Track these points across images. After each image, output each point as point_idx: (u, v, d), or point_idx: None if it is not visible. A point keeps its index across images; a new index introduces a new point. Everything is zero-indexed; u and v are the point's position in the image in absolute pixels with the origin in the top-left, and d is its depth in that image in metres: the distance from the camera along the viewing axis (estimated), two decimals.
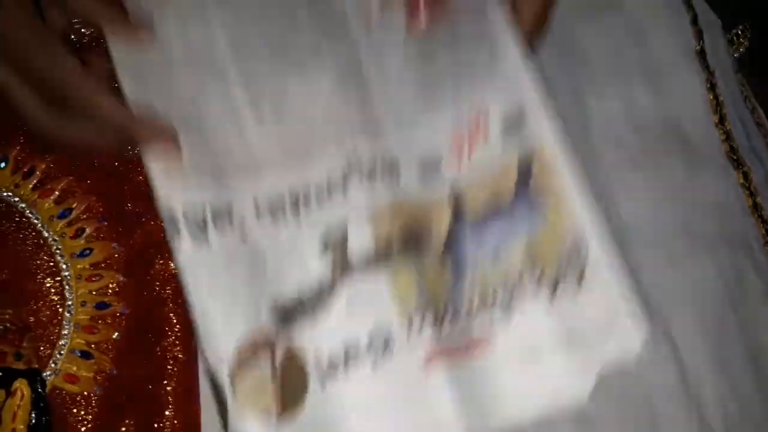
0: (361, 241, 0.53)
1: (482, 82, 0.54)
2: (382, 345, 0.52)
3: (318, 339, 0.52)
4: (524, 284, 0.52)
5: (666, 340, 0.69)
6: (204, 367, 0.52)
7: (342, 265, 0.52)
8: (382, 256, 0.52)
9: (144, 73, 0.53)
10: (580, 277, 0.51)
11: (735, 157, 0.75)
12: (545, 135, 0.52)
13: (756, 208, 0.75)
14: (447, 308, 0.52)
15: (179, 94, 0.53)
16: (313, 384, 0.51)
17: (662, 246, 0.71)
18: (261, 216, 0.52)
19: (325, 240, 0.53)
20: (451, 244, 0.53)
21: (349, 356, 0.52)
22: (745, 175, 0.75)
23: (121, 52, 0.52)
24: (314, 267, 0.52)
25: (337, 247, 0.52)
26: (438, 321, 0.52)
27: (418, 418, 0.52)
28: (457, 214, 0.53)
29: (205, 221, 0.51)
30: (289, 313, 0.52)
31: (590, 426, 0.63)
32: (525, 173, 0.52)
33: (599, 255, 0.51)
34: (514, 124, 0.53)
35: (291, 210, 0.52)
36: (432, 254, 0.53)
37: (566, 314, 0.52)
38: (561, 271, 0.51)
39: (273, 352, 0.51)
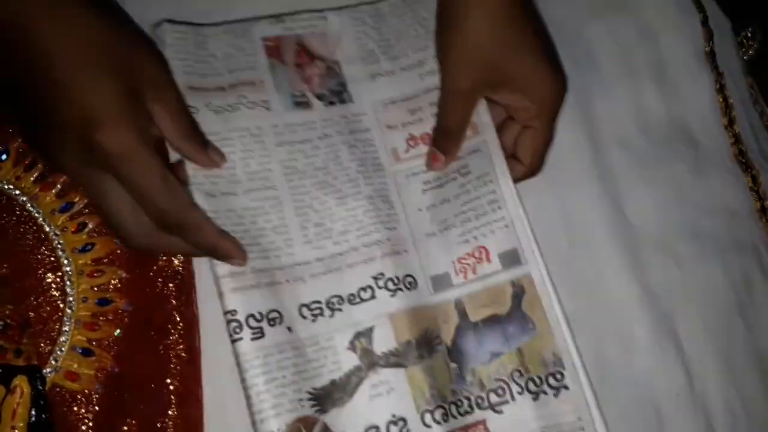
0: (384, 340, 0.62)
1: (485, 225, 0.65)
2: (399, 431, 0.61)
3: (345, 422, 0.60)
4: (513, 385, 0.63)
5: (672, 343, 0.69)
6: None
7: (368, 359, 0.62)
8: (401, 355, 0.62)
9: (213, 191, 0.61)
10: (560, 383, 0.62)
11: (743, 160, 0.75)
12: (535, 274, 0.64)
13: (764, 211, 0.75)
14: (452, 402, 0.62)
15: (241, 211, 0.62)
16: None
17: (669, 248, 0.71)
18: (304, 317, 0.61)
19: (354, 337, 0.62)
20: (457, 342, 0.63)
21: None
22: (754, 179, 0.75)
23: (197, 173, 0.61)
24: (345, 360, 0.61)
25: (364, 344, 0.62)
26: (445, 415, 0.61)
27: None
28: (463, 316, 0.64)
29: (261, 320, 0.60)
30: (324, 398, 0.60)
31: None
32: (518, 295, 0.64)
33: (576, 365, 0.63)
34: (509, 261, 0.64)
35: (327, 311, 0.62)
36: (441, 353, 0.63)
37: (546, 410, 0.62)
38: (544, 377, 0.63)
39: (311, 431, 0.60)
